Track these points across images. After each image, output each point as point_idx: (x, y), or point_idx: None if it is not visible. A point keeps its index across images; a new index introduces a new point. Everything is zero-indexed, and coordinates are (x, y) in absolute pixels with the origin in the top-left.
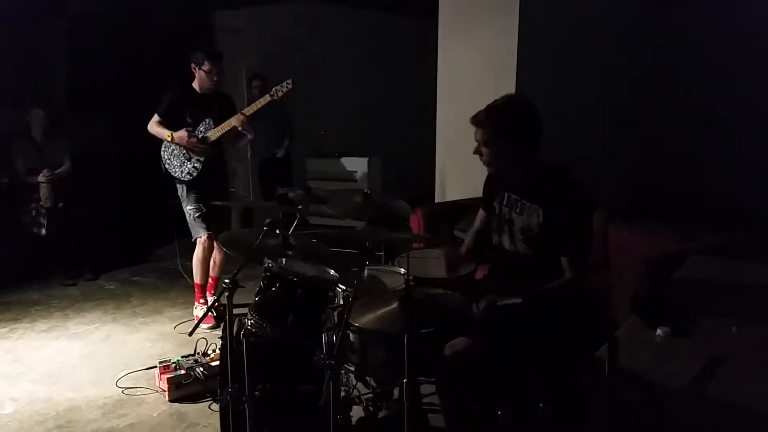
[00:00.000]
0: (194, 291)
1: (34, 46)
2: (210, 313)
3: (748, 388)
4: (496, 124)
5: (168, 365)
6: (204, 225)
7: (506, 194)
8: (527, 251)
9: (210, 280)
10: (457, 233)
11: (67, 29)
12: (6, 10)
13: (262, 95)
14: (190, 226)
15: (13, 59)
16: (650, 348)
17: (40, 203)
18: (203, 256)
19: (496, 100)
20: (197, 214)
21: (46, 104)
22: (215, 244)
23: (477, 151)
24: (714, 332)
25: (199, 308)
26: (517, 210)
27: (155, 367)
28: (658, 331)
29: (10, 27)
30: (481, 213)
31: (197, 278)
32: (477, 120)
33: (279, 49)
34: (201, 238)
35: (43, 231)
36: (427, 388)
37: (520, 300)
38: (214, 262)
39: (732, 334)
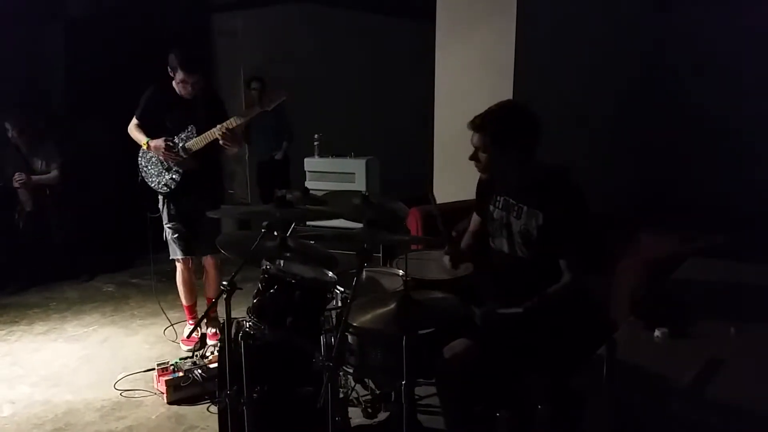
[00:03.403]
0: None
1: (32, 48)
2: (195, 335)
3: (746, 388)
4: (497, 129)
5: (166, 367)
6: (181, 246)
7: (502, 198)
8: (526, 254)
9: (207, 300)
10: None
11: (66, 31)
12: (4, 12)
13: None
14: (167, 243)
15: (11, 61)
16: (649, 349)
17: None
18: (183, 278)
19: (495, 105)
20: (174, 235)
21: (44, 106)
22: (210, 261)
23: (474, 157)
24: (712, 333)
25: (189, 328)
26: (515, 214)
27: (153, 369)
28: (657, 333)
29: (8, 29)
30: (475, 217)
31: (184, 300)
32: (475, 124)
33: (277, 50)
34: (177, 260)
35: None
36: (426, 390)
37: (520, 310)
38: (209, 281)
39: (730, 335)
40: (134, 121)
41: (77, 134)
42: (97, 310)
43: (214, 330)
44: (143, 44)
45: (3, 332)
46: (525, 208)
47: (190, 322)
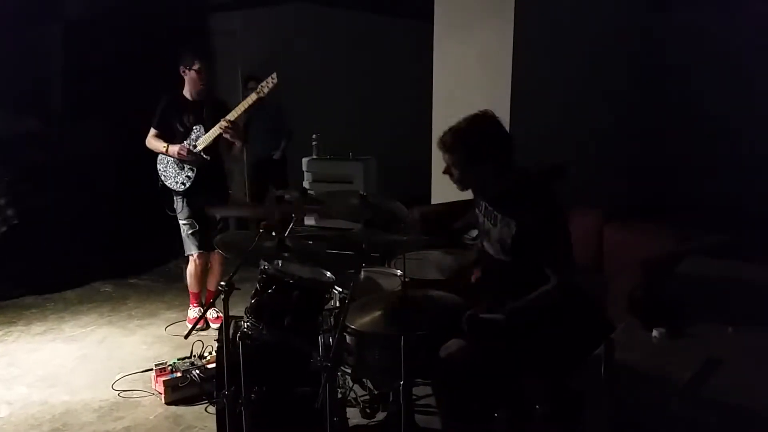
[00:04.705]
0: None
1: (31, 49)
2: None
3: (744, 388)
4: (464, 148)
5: (164, 368)
6: (196, 243)
7: (483, 203)
8: (505, 260)
9: (207, 293)
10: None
11: (64, 32)
12: (4, 12)
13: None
14: (183, 240)
15: (10, 62)
16: (646, 349)
17: None
18: (195, 271)
19: (463, 121)
20: (190, 231)
21: (44, 107)
22: (216, 256)
23: (447, 172)
24: (710, 333)
25: (193, 310)
26: (492, 221)
27: (151, 369)
28: (655, 333)
29: (6, 30)
30: None
31: (191, 288)
32: (443, 144)
33: (275, 50)
34: (192, 255)
35: None
36: (424, 390)
37: (502, 317)
38: (213, 275)
39: (728, 334)
40: (152, 131)
41: (76, 134)
42: (94, 310)
43: (216, 314)
44: (142, 44)
45: (0, 333)
46: (500, 216)
47: (194, 304)
